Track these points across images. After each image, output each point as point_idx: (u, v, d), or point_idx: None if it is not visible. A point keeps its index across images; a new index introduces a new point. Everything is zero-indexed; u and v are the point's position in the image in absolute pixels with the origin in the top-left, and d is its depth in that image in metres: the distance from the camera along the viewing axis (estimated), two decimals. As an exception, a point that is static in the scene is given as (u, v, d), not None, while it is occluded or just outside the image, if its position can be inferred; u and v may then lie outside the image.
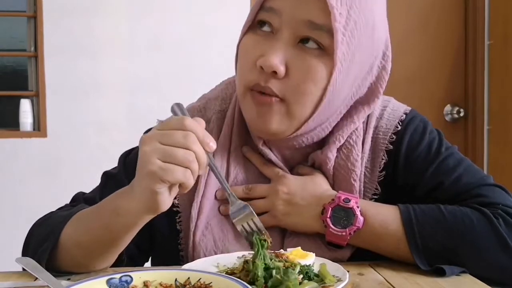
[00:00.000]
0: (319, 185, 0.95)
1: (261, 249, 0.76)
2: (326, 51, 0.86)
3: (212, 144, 0.75)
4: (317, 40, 0.85)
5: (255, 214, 0.80)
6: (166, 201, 0.75)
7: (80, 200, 0.99)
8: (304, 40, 0.86)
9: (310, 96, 0.87)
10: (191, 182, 0.74)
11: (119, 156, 1.04)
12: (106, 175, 1.02)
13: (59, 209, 0.99)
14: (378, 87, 0.94)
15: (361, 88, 0.93)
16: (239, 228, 0.81)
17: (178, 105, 0.83)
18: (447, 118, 2.92)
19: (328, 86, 0.86)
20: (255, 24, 0.90)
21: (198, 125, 0.75)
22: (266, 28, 0.88)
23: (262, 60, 0.85)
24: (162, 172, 0.72)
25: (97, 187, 1.02)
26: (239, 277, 0.72)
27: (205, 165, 0.75)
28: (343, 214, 0.90)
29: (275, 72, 0.85)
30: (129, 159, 1.01)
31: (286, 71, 0.86)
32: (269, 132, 0.91)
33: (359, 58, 0.88)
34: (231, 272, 0.79)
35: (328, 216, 0.90)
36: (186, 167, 0.73)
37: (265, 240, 0.78)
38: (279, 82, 0.86)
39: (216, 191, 0.96)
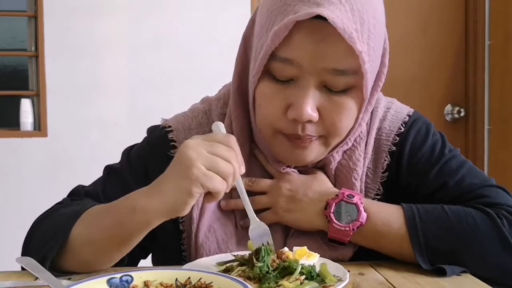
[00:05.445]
0: (323, 182, 0.95)
1: (265, 256, 0.78)
2: (352, 87, 0.85)
3: (243, 168, 0.81)
4: (343, 83, 0.84)
5: (271, 236, 0.86)
6: (191, 206, 0.79)
7: (81, 194, 0.98)
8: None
9: (346, 129, 0.89)
10: (223, 194, 0.80)
11: (120, 156, 1.04)
12: (108, 169, 1.02)
13: (58, 203, 0.98)
14: (378, 83, 0.93)
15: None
16: (255, 245, 0.83)
17: (219, 125, 0.85)
18: (448, 118, 2.91)
19: (360, 114, 0.89)
20: (267, 71, 0.87)
21: (238, 146, 0.81)
22: (283, 77, 0.85)
23: (295, 113, 0.84)
24: (204, 178, 0.76)
25: (99, 180, 1.02)
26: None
27: (235, 182, 0.81)
28: (347, 210, 0.90)
29: (309, 120, 0.85)
30: (132, 154, 1.01)
31: (319, 115, 0.86)
32: (305, 163, 0.93)
33: (375, 68, 0.89)
34: (230, 268, 0.79)
35: (332, 211, 0.90)
36: (224, 179, 0.78)
37: (270, 251, 0.80)
38: (315, 124, 0.87)
39: (220, 201, 0.96)
